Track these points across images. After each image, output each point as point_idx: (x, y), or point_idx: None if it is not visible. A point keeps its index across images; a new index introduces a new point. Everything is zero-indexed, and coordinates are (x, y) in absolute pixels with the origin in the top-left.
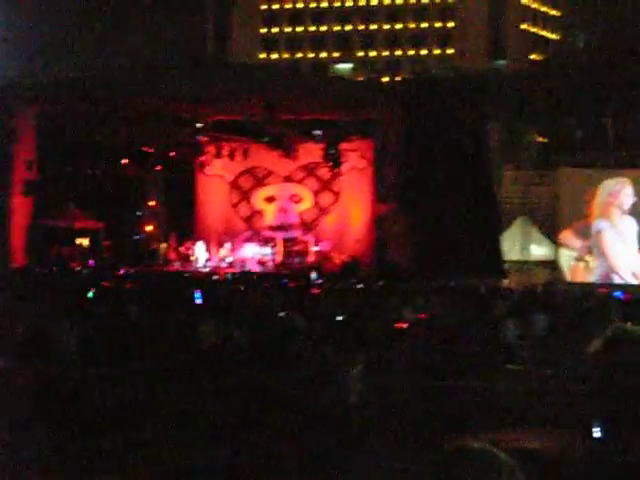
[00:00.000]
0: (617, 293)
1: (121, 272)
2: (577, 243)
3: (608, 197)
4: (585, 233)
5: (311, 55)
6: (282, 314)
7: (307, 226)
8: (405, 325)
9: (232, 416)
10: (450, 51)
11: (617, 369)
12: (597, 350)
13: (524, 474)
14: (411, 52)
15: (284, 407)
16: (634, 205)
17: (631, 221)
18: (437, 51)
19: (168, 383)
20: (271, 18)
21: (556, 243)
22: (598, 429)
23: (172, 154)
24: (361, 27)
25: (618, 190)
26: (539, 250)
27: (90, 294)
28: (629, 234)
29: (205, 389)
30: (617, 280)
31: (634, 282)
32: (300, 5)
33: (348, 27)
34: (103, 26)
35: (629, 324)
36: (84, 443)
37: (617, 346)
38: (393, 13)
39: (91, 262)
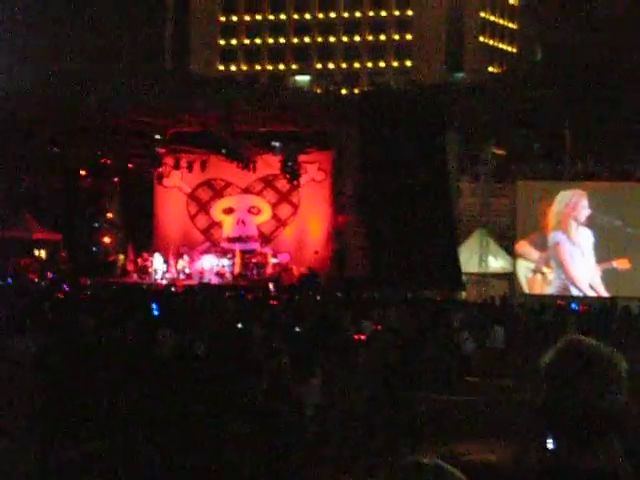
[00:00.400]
0: (574, 305)
1: (79, 284)
2: (534, 255)
3: (565, 209)
4: (542, 245)
5: (269, 67)
6: (240, 325)
7: (265, 238)
8: (363, 336)
9: (187, 424)
10: (408, 63)
11: (568, 381)
12: (549, 362)
13: None
14: (369, 64)
15: (240, 416)
16: (590, 217)
17: (587, 233)
18: (395, 63)
19: (124, 392)
20: (229, 30)
21: (514, 255)
22: (550, 441)
23: (130, 166)
24: (319, 39)
25: (575, 202)
26: (497, 262)
27: (46, 305)
28: (585, 246)
29: (162, 398)
30: (574, 292)
31: (591, 294)
32: (258, 17)
33: (306, 39)
34: (59, 37)
35: (582, 336)
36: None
37: (569, 358)
38: (351, 25)
39: (49, 274)
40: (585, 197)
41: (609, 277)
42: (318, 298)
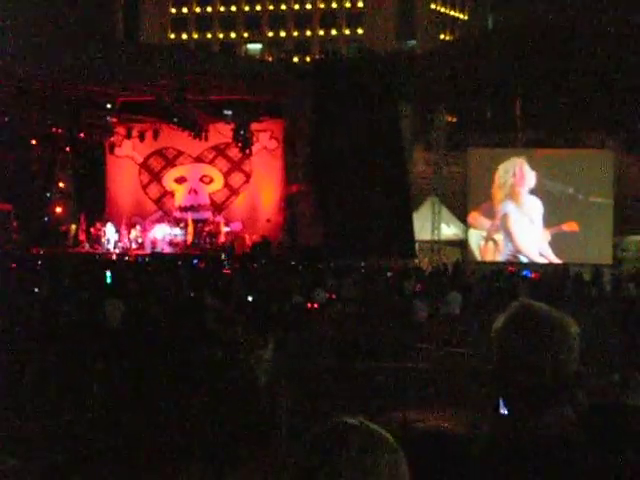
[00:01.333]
0: (526, 272)
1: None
2: (486, 224)
3: (512, 178)
4: (492, 214)
5: (221, 35)
6: (192, 295)
7: (218, 207)
8: (316, 305)
9: (135, 395)
10: (360, 31)
11: (518, 346)
12: (500, 327)
13: (401, 450)
14: (321, 32)
15: (193, 387)
16: (538, 185)
17: (536, 201)
18: (347, 31)
19: (75, 362)
20: None
21: (466, 223)
22: (502, 406)
23: (81, 135)
24: (271, 7)
25: (519, 171)
26: (449, 230)
27: None
28: (534, 214)
29: (113, 368)
30: (525, 259)
31: (541, 261)
32: None
33: (258, 7)
34: (9, 5)
35: (533, 301)
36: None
37: (520, 323)
38: None
39: None
40: (527, 165)
41: (558, 244)
42: (270, 267)
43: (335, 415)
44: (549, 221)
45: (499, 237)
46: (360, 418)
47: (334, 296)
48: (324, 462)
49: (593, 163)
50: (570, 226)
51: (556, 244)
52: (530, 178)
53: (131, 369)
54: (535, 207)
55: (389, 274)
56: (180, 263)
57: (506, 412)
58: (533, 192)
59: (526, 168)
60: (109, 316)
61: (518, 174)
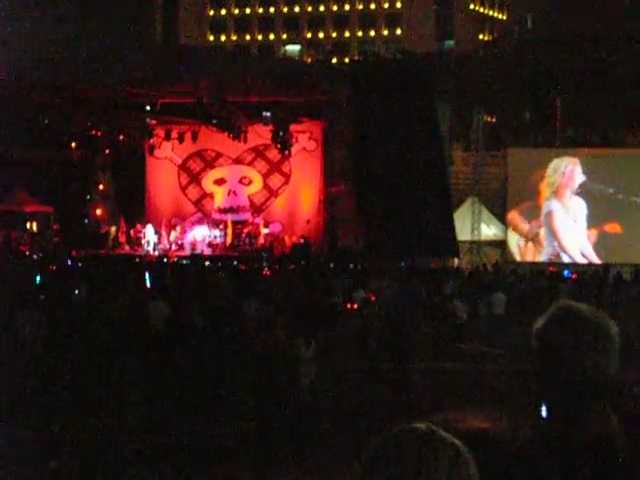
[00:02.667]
0: (566, 272)
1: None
2: (526, 223)
3: (561, 177)
4: (534, 213)
5: (259, 37)
6: (233, 299)
7: (257, 208)
8: (356, 306)
9: (182, 398)
10: (398, 32)
11: (558, 347)
12: (540, 328)
13: (470, 455)
14: (359, 33)
15: (236, 389)
16: (583, 185)
17: (580, 201)
18: (385, 32)
19: (117, 364)
20: (219, 0)
21: (506, 223)
22: (544, 409)
23: (121, 137)
24: (309, 8)
25: (570, 170)
26: (489, 230)
27: (37, 279)
28: (578, 214)
29: (157, 369)
30: (566, 259)
31: (582, 261)
32: None
33: (296, 9)
34: (51, 9)
35: (574, 302)
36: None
37: (561, 323)
38: None
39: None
40: (579, 165)
41: (601, 244)
42: (311, 268)
43: (400, 421)
44: (592, 222)
45: (541, 235)
46: (428, 424)
47: (374, 297)
48: (386, 463)
49: (634, 163)
50: (612, 227)
51: (598, 245)
52: (578, 178)
53: (173, 371)
54: (580, 207)
55: (429, 274)
56: (220, 265)
57: (547, 415)
58: (577, 192)
59: (576, 168)
60: (153, 319)
61: (568, 174)
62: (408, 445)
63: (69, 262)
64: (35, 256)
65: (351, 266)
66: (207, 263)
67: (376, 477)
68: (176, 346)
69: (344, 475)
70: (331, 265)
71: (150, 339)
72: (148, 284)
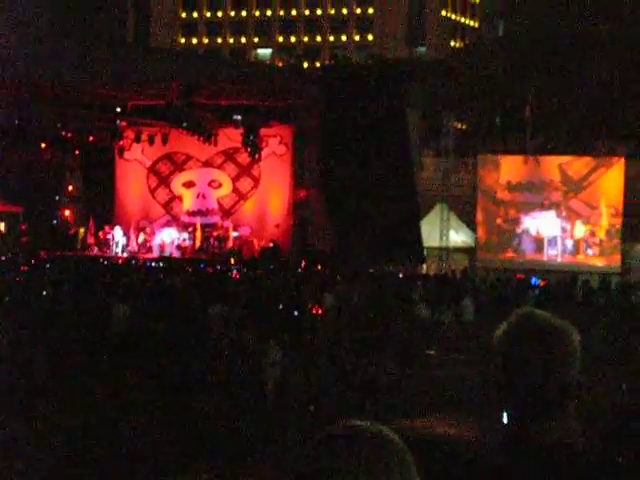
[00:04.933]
0: (534, 279)
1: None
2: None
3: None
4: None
5: (231, 40)
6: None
7: (226, 211)
8: (325, 310)
9: (146, 398)
10: (370, 37)
11: (519, 354)
12: (501, 334)
13: (414, 457)
14: (331, 38)
15: (200, 391)
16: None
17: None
18: (357, 37)
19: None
20: (191, 2)
21: (474, 230)
22: (505, 415)
23: (91, 138)
24: (281, 12)
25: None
26: (458, 236)
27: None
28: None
29: (118, 371)
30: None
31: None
32: None
33: (268, 12)
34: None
35: (535, 309)
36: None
37: (520, 331)
38: None
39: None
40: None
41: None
42: (279, 272)
43: (344, 418)
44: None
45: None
46: (369, 421)
47: (341, 301)
48: (335, 465)
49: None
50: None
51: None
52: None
53: (137, 372)
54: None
55: (397, 280)
56: (187, 268)
57: (508, 421)
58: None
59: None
60: (115, 320)
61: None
62: (358, 446)
63: (32, 262)
64: (3, 257)
65: (319, 270)
66: (175, 266)
67: (317, 475)
68: (137, 348)
69: None
70: (299, 270)
71: (111, 341)
72: (115, 286)
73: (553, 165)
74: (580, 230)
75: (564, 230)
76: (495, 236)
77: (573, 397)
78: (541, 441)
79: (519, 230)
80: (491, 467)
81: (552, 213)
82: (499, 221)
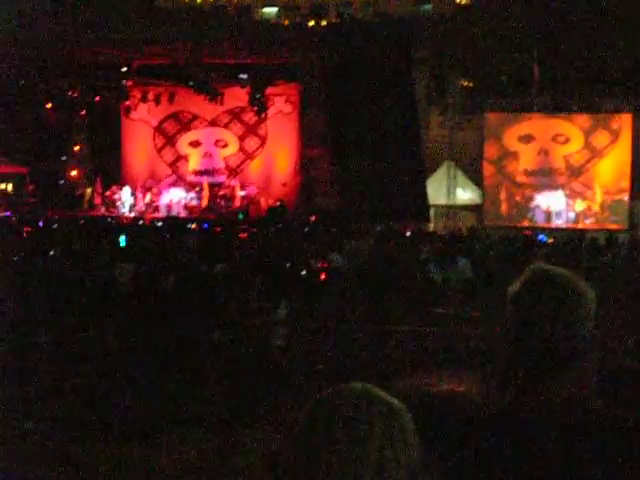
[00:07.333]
0: (541, 236)
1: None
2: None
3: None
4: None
5: None
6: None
7: (233, 171)
8: (332, 268)
9: (155, 362)
10: None
11: (533, 310)
12: (515, 291)
13: (405, 411)
14: None
15: (209, 353)
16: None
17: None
18: None
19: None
20: None
21: (482, 187)
22: (516, 372)
23: (97, 99)
24: None
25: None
26: (465, 194)
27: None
28: None
29: (122, 332)
30: (542, 222)
31: (560, 224)
32: None
33: None
34: None
35: (549, 265)
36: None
37: (536, 287)
38: None
39: (8, 213)
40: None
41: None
42: (286, 230)
43: (343, 380)
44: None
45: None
46: (364, 383)
47: (350, 260)
48: (319, 423)
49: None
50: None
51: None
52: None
53: (140, 333)
54: None
55: (404, 238)
56: (193, 226)
57: (521, 377)
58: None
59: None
60: (118, 279)
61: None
62: (342, 404)
63: (40, 224)
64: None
65: (327, 229)
66: (181, 225)
67: (312, 436)
68: (142, 308)
69: None
70: (306, 229)
71: (116, 300)
72: (122, 245)
73: (559, 156)
74: (580, 205)
75: (568, 205)
76: (514, 209)
77: (588, 352)
78: (554, 397)
79: (533, 205)
80: (501, 424)
81: (559, 192)
82: (518, 198)
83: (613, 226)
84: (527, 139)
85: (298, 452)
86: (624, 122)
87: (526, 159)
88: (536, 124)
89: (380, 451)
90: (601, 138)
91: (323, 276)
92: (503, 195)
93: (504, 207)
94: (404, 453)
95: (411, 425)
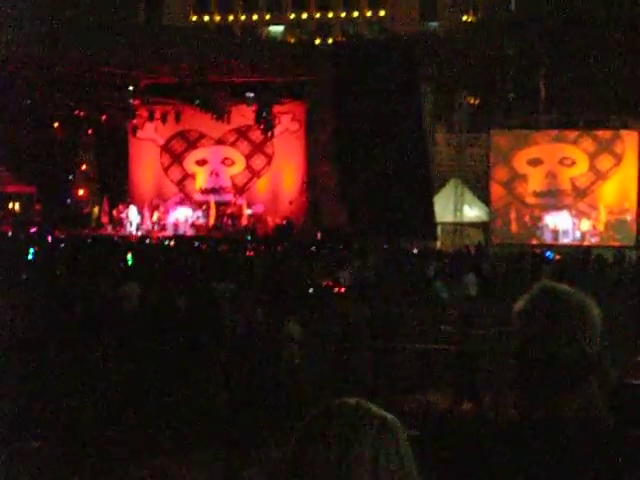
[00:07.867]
0: (548, 253)
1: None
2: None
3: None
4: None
5: (243, 17)
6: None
7: (239, 189)
8: (340, 287)
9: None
10: (382, 13)
11: (539, 328)
12: (521, 308)
13: (399, 427)
14: (342, 14)
15: (214, 370)
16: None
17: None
18: (369, 13)
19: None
20: None
21: (489, 205)
22: (524, 388)
23: (104, 117)
24: None
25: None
26: (472, 211)
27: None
28: None
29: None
30: (550, 241)
31: (567, 242)
32: None
33: None
34: None
35: (555, 283)
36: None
37: (541, 304)
38: None
39: (33, 230)
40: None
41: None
42: (293, 248)
43: (343, 396)
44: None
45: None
46: (359, 399)
47: (357, 279)
48: (313, 437)
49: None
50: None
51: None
52: None
53: (147, 353)
54: None
55: (411, 256)
56: (199, 245)
57: (528, 395)
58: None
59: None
60: (125, 299)
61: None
62: (336, 418)
63: (49, 241)
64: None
65: (334, 247)
66: (189, 244)
67: (307, 450)
68: (149, 327)
69: None
70: (313, 248)
71: (121, 320)
72: (130, 264)
73: (566, 178)
74: (585, 224)
75: (574, 224)
76: (523, 228)
77: (594, 370)
78: (563, 413)
79: (541, 224)
80: (512, 440)
81: (566, 212)
82: (527, 218)
83: (617, 244)
84: (535, 162)
85: (293, 466)
86: (628, 143)
87: (535, 181)
88: (544, 148)
89: (373, 463)
90: (605, 162)
91: (332, 294)
92: (513, 215)
93: (514, 226)
94: (397, 466)
95: (404, 438)
